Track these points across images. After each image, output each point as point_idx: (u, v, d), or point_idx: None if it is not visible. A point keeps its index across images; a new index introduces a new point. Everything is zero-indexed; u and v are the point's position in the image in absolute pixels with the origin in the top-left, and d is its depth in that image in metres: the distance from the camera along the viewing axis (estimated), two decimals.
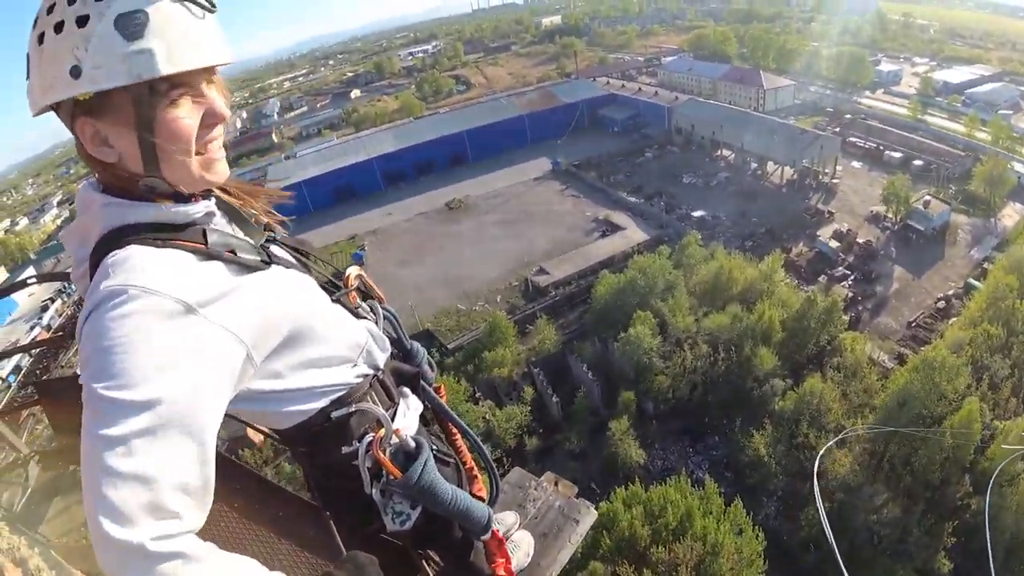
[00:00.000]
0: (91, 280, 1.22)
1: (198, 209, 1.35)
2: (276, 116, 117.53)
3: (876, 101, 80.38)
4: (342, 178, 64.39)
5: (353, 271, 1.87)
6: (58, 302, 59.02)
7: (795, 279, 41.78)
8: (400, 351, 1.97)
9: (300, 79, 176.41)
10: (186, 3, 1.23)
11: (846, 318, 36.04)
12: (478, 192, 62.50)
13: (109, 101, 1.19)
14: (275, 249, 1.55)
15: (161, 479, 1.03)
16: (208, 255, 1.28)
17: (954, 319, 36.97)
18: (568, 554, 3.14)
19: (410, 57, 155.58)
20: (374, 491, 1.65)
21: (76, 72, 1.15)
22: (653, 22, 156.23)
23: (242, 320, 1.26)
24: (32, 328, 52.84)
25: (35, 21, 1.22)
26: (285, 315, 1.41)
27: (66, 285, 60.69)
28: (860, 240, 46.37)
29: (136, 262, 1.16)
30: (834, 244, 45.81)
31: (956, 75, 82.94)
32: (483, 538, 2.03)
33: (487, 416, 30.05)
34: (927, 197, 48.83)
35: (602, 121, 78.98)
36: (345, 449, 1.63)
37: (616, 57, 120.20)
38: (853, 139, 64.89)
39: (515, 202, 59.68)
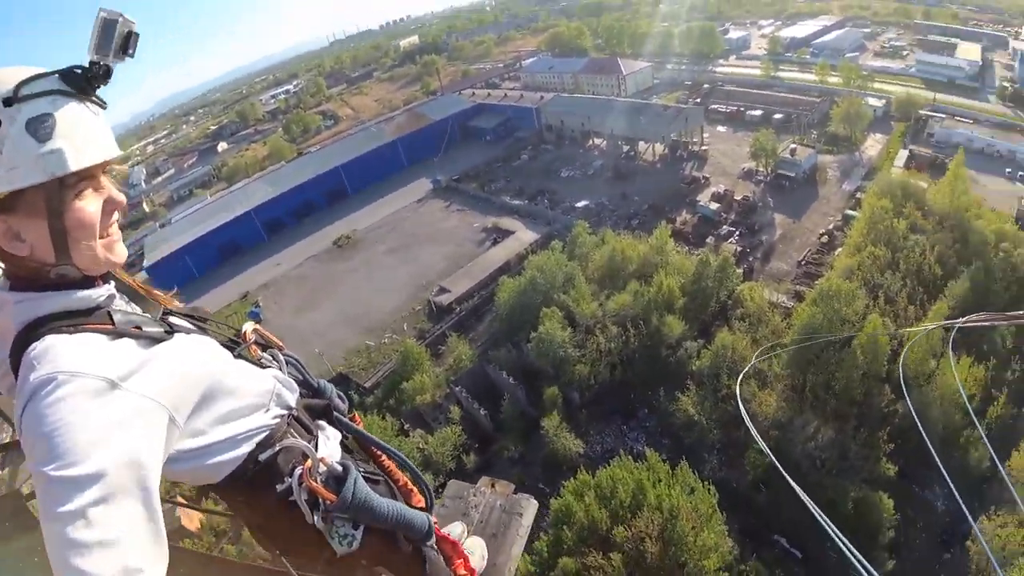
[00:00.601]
0: (15, 378, 1.30)
1: (101, 293, 1.45)
2: (143, 184, 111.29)
3: (730, 67, 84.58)
4: (223, 236, 61.55)
5: (249, 327, 1.97)
6: None
7: (685, 246, 42.88)
8: (309, 390, 2.08)
9: (163, 141, 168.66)
10: (86, 105, 1.35)
11: (740, 271, 37.44)
12: (364, 224, 61.41)
13: (21, 198, 1.28)
14: (173, 319, 1.66)
15: (122, 541, 1.10)
16: (117, 334, 1.37)
17: (839, 249, 39.14)
18: (520, 547, 3.36)
19: (273, 100, 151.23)
20: (316, 519, 1.75)
21: None
22: (508, 28, 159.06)
23: (159, 387, 1.32)
24: None
25: None
26: (196, 376, 1.49)
27: None
28: (738, 197, 48.40)
29: (57, 350, 1.24)
30: (714, 206, 47.52)
31: (801, 30, 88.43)
32: (430, 543, 2.23)
33: (421, 445, 29.26)
34: (792, 145, 51.56)
35: (474, 132, 79.35)
36: (279, 487, 1.72)
37: (478, 68, 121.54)
38: (715, 106, 68.00)
39: (402, 227, 58.95)
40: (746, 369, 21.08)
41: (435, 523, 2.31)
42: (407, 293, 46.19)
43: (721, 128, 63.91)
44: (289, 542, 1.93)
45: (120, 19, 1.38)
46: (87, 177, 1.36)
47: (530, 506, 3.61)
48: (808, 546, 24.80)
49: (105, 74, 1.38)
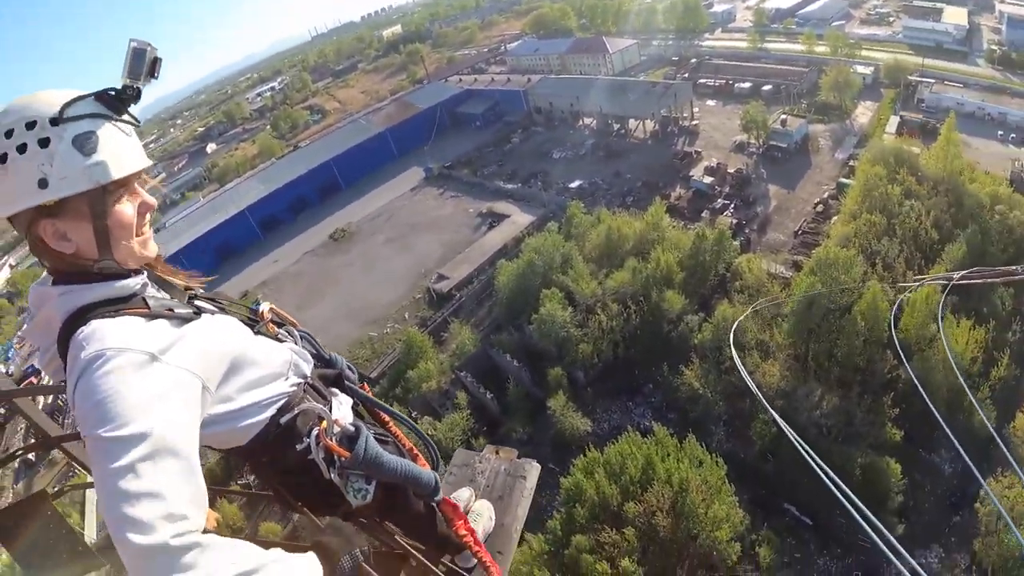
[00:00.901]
0: (62, 361, 1.53)
1: (137, 282, 1.66)
2: None
3: (716, 41, 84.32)
4: (218, 237, 61.19)
5: (265, 306, 2.20)
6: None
7: (680, 221, 42.89)
8: (322, 362, 2.32)
9: (152, 145, 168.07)
10: (118, 123, 1.58)
11: (737, 243, 37.61)
12: (359, 216, 61.31)
13: (68, 204, 1.51)
14: (199, 303, 1.83)
15: (166, 492, 1.28)
16: (152, 316, 1.58)
17: (835, 218, 39.16)
18: (525, 508, 3.56)
19: (259, 98, 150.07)
20: (333, 475, 2.00)
21: (43, 183, 1.46)
22: (492, 12, 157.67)
23: (192, 360, 1.54)
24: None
25: None
26: (223, 350, 1.72)
27: None
28: (731, 170, 48.38)
29: (103, 331, 1.45)
30: (708, 180, 47.52)
31: (786, 0, 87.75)
32: (436, 500, 2.48)
33: (430, 432, 29.45)
34: (783, 116, 51.64)
35: (463, 118, 78.99)
36: (299, 447, 1.95)
37: (463, 54, 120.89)
38: (703, 80, 67.78)
39: (398, 217, 58.84)
40: (738, 321, 21.14)
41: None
42: (406, 282, 46.24)
43: (711, 102, 63.71)
44: (310, 498, 2.13)
45: (148, 48, 1.61)
46: (124, 184, 1.60)
47: (532, 469, 3.81)
48: (818, 513, 25.05)
49: (136, 95, 1.61)
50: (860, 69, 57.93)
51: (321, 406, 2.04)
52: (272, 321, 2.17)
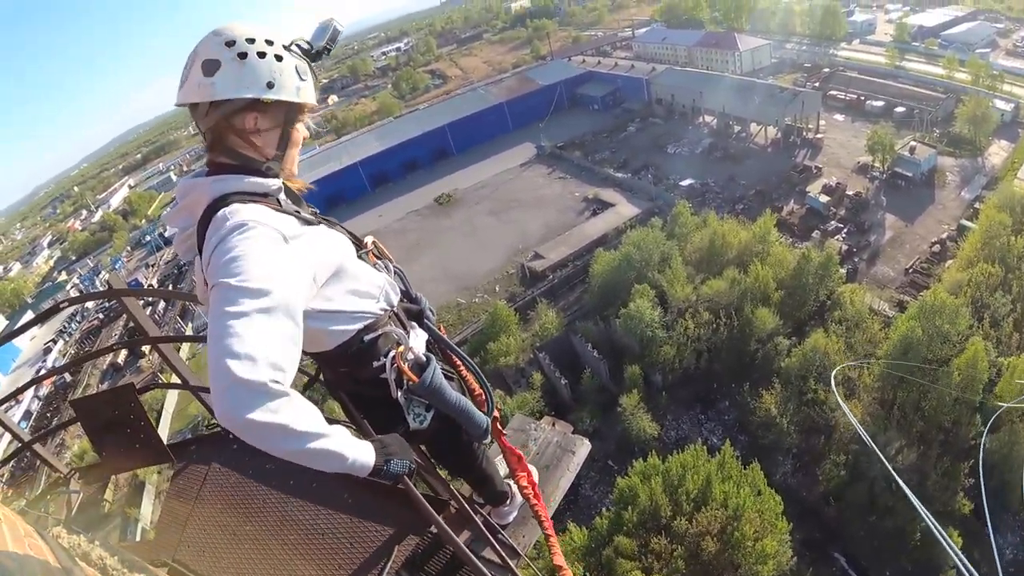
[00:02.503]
0: (196, 242, 1.87)
1: (276, 184, 1.97)
2: None
3: (853, 52, 79.90)
4: (329, 186, 63.20)
5: (369, 238, 2.48)
6: (60, 343, 58.94)
7: (789, 237, 41.77)
8: (408, 298, 2.56)
9: None
10: (310, 68, 2.02)
11: (843, 271, 36.14)
12: (466, 184, 62.41)
13: (274, 107, 1.93)
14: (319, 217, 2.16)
15: (275, 344, 1.52)
16: (283, 212, 1.88)
17: (950, 261, 37.06)
18: (568, 481, 3.67)
19: (383, 57, 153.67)
20: (399, 395, 2.27)
21: (271, 85, 1.85)
22: None
23: (310, 253, 1.86)
24: (38, 372, 52.06)
25: (232, 41, 1.84)
26: (332, 256, 2.03)
27: (67, 325, 61.46)
28: (850, 192, 46.35)
29: (247, 210, 1.76)
30: (824, 199, 45.73)
31: (930, 18, 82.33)
32: (485, 441, 2.86)
33: (499, 405, 30.10)
34: (912, 143, 48.71)
35: (582, 100, 78.66)
36: (375, 364, 2.23)
37: (589, 34, 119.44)
38: (833, 92, 64.59)
39: (503, 190, 59.62)
40: (844, 364, 20.33)
41: (502, 433, 3.06)
42: (502, 256, 47.10)
43: (839, 116, 60.75)
44: (372, 413, 2.37)
45: (335, 23, 2.11)
46: (304, 112, 2.06)
47: (583, 446, 3.93)
48: (868, 570, 24.52)
49: (322, 53, 2.08)
50: (1000, 104, 53.40)
51: (401, 331, 2.32)
52: (373, 252, 2.44)
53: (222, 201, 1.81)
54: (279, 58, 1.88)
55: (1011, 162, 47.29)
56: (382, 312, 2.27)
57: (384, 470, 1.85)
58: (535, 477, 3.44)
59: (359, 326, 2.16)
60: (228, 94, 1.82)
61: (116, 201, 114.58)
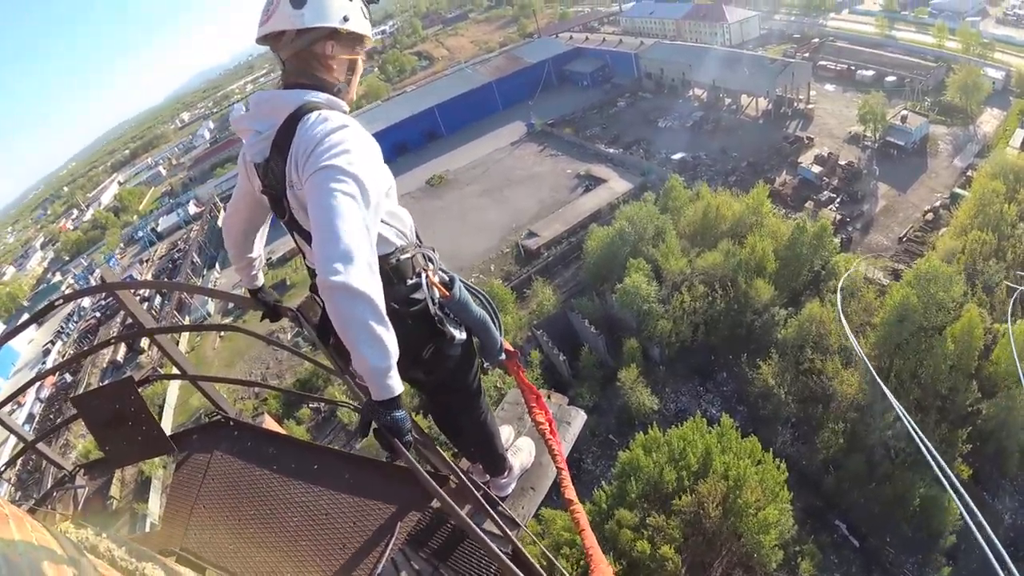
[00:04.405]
0: (271, 144, 2.21)
1: (345, 106, 2.32)
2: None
3: (842, 22, 79.40)
4: None
5: None
6: (58, 344, 58.73)
7: (782, 208, 41.75)
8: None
9: (261, 79, 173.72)
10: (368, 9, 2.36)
11: (837, 241, 36.32)
12: (457, 165, 62.20)
13: (347, 38, 2.28)
14: None
15: (363, 227, 1.89)
16: None
17: (944, 229, 37.13)
18: (565, 450, 3.62)
19: None
20: (435, 309, 2.59)
21: (345, 19, 2.21)
22: None
23: (385, 167, 2.25)
24: (38, 374, 52.35)
25: None
26: (391, 181, 2.40)
27: (64, 326, 61.32)
28: (842, 162, 46.45)
29: (338, 115, 2.15)
30: (817, 169, 45.84)
31: None
32: (500, 358, 3.29)
33: (498, 384, 30.16)
34: (904, 112, 48.76)
35: (571, 77, 78.12)
36: (410, 281, 2.53)
37: (576, 11, 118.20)
38: (824, 62, 64.27)
39: (495, 169, 59.52)
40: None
41: (521, 368, 3.48)
42: (496, 235, 47.12)
43: (829, 87, 60.58)
44: (406, 332, 2.36)
45: None
46: (365, 45, 2.40)
47: (579, 416, 4.12)
48: (868, 536, 24.79)
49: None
50: (991, 72, 53.13)
51: (431, 250, 2.68)
52: None
53: (302, 110, 2.14)
54: None
55: (1003, 130, 47.35)
56: (412, 242, 2.59)
57: (395, 413, 1.93)
58: (532, 447, 3.74)
59: (399, 243, 2.48)
60: (314, 23, 2.17)
61: (107, 198, 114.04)
